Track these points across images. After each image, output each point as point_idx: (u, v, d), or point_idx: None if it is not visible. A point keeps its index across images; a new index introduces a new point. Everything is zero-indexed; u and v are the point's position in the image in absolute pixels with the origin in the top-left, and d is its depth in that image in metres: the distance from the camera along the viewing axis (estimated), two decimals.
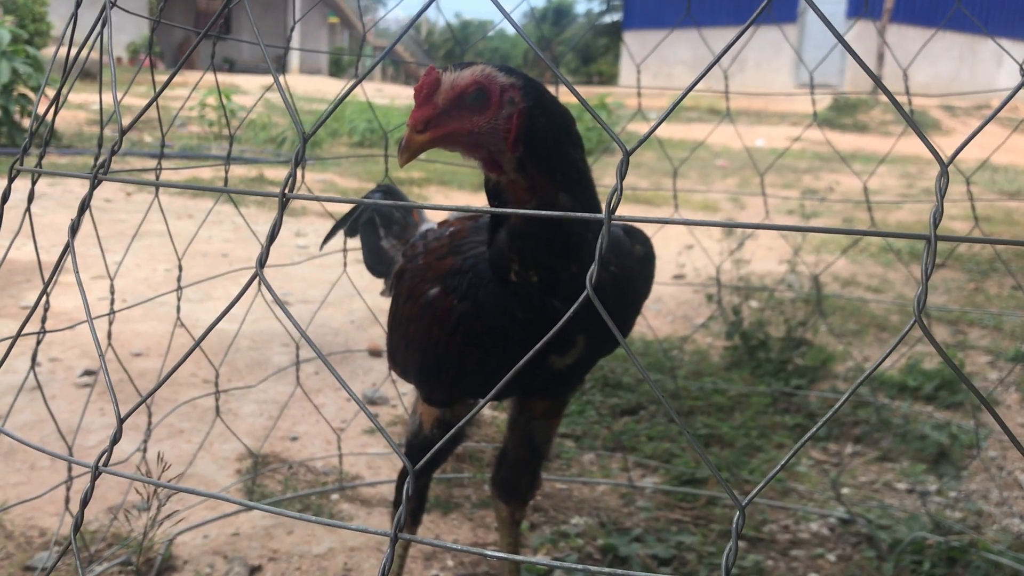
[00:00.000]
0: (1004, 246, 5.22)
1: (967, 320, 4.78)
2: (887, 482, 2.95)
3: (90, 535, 2.27)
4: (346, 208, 2.47)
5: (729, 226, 0.69)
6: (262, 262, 0.77)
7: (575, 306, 0.76)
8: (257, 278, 0.77)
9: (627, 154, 0.74)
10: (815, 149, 13.21)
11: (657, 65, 21.80)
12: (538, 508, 2.66)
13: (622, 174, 0.73)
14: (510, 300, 1.54)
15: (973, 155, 12.19)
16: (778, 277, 4.91)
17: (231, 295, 4.43)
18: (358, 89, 15.67)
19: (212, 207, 2.75)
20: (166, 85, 1.04)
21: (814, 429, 0.72)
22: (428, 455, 0.95)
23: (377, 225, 2.23)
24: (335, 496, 2.64)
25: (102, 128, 1.50)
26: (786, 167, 11.17)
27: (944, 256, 6.43)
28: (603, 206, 0.75)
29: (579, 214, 0.79)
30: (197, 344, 0.90)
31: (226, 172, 2.21)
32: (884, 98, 18.99)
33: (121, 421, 0.79)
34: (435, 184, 8.98)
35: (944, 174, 0.70)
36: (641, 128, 14.36)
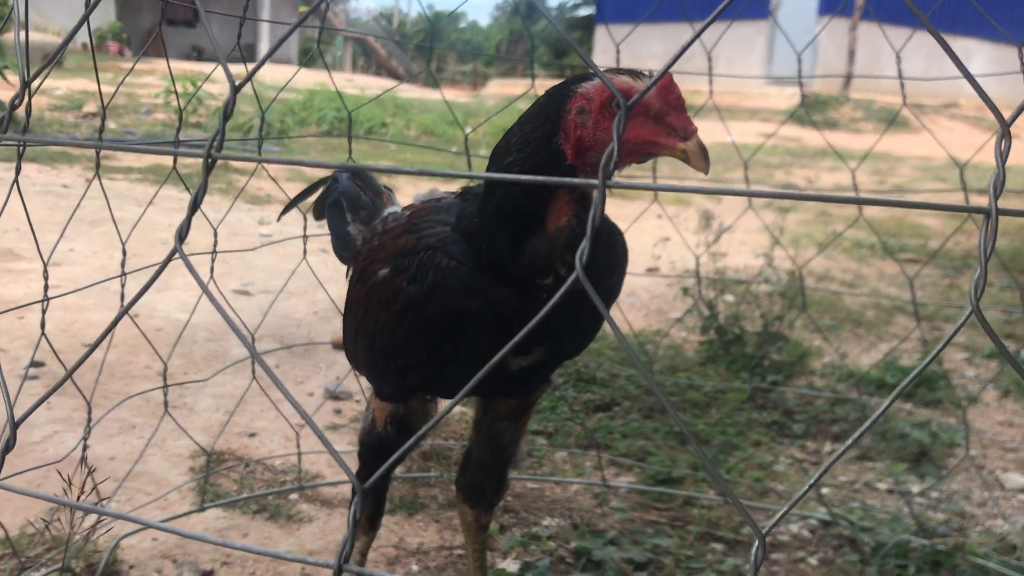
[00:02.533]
0: (977, 241, 5.18)
1: (943, 316, 4.72)
2: (868, 482, 2.86)
3: (27, 538, 2.12)
4: (309, 189, 2.33)
5: (774, 196, 0.57)
6: (182, 236, 0.64)
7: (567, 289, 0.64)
8: (176, 254, 0.64)
9: (627, 107, 0.61)
10: (786, 145, 13.20)
11: (630, 60, 21.67)
12: (508, 509, 2.54)
13: (619, 132, 0.61)
14: (492, 291, 1.40)
15: (942, 152, 12.21)
16: (754, 271, 4.82)
17: (191, 284, 4.27)
18: (327, 78, 15.35)
19: (152, 190, 2.59)
20: (77, 29, 0.91)
21: (850, 441, 0.60)
22: (380, 470, 0.82)
23: (344, 209, 2.09)
24: (294, 496, 2.51)
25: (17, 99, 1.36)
26: (758, 163, 11.13)
27: (918, 252, 6.39)
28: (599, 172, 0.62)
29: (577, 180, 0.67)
30: (111, 328, 0.77)
31: (175, 161, 2.07)
32: (854, 95, 18.99)
33: (15, 427, 0.65)
34: (405, 175, 8.82)
35: (1006, 135, 0.59)
36: None
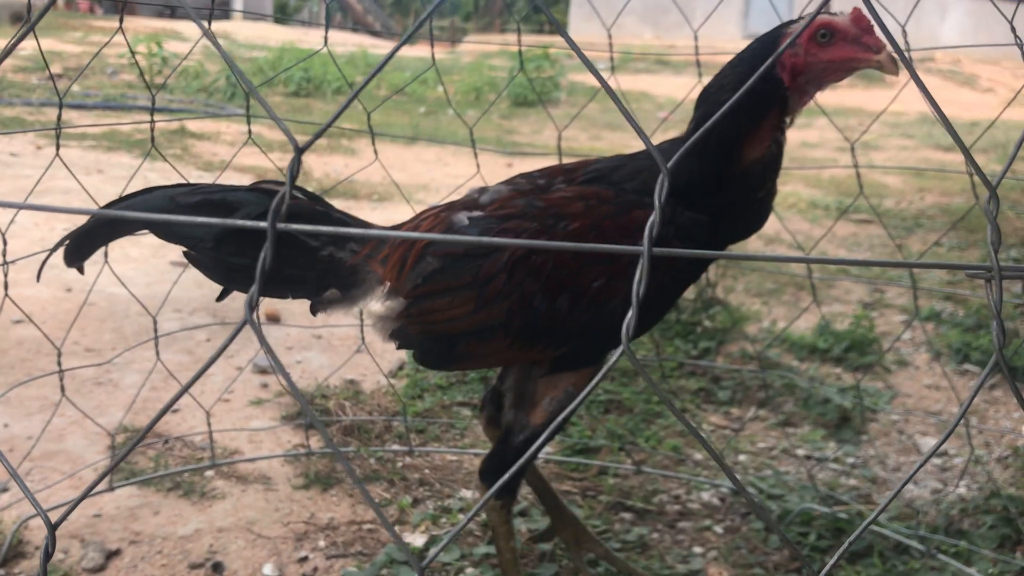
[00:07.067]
0: (933, 200, 5.10)
1: (886, 278, 4.76)
2: (786, 448, 2.91)
3: None
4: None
5: None
6: None
7: None
8: None
9: (299, 151, 0.62)
10: None
11: (606, 15, 21.41)
12: (424, 482, 2.57)
13: (293, 175, 0.62)
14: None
15: (912, 107, 12.22)
16: None
17: (128, 256, 4.26)
18: (299, 36, 15.13)
19: (105, 158, 2.58)
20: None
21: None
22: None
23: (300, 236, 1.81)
24: (210, 473, 2.54)
25: None
26: None
27: (868, 212, 6.42)
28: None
29: None
30: None
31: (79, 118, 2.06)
32: None
33: None
34: (367, 135, 8.75)
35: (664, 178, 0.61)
36: (587, 78, 14.12)
